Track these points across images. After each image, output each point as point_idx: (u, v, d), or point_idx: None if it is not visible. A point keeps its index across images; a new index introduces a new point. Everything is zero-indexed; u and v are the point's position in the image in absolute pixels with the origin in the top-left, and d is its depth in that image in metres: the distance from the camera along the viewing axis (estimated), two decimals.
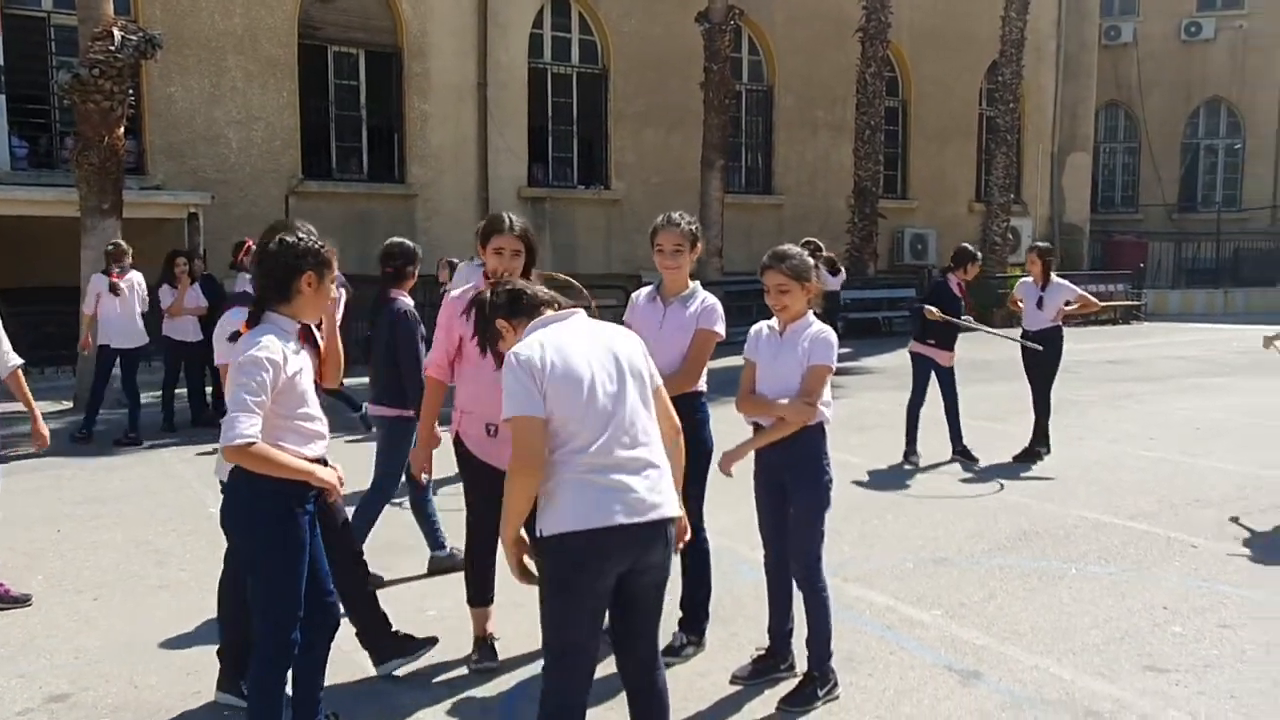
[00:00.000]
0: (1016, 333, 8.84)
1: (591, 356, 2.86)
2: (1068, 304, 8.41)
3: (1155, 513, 6.56)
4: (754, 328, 4.09)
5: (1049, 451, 8.29)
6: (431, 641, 4.27)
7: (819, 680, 3.87)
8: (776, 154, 21.39)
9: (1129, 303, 22.75)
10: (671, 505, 2.89)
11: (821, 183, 21.54)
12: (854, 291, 18.81)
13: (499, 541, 3.00)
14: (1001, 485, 7.44)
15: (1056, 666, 4.21)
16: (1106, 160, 30.20)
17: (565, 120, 19.10)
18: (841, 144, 20.74)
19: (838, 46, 20.36)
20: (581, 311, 3.01)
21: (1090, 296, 8.73)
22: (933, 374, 8.31)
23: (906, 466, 8.05)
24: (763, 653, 4.13)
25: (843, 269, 18.04)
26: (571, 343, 2.86)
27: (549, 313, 2.97)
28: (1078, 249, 26.14)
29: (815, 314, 3.96)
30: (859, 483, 7.49)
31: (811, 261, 3.92)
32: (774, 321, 4.00)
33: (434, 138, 17.26)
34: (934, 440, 8.31)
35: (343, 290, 4.30)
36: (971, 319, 8.54)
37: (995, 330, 9.70)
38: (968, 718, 3.79)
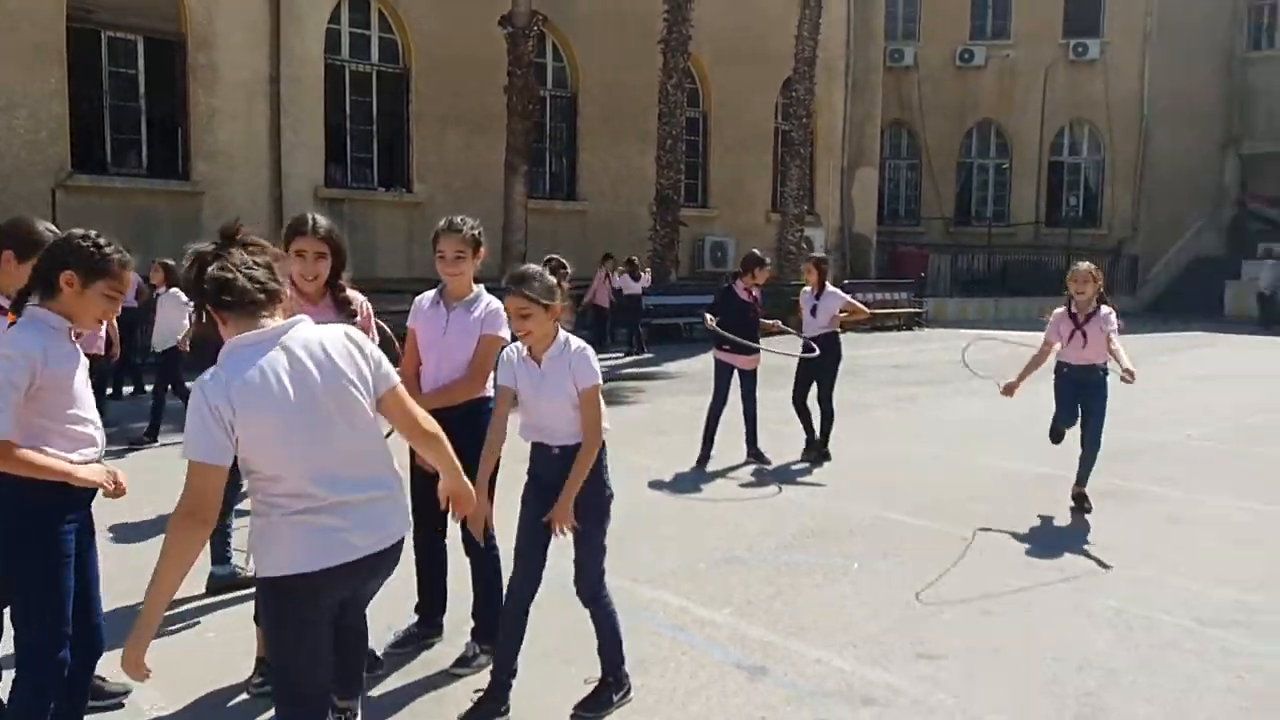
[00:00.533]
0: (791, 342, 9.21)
1: (296, 386, 2.50)
2: (842, 311, 8.77)
3: (930, 508, 6.97)
4: (505, 353, 3.86)
5: (829, 457, 8.61)
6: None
7: (613, 686, 3.88)
8: (581, 160, 21.54)
9: (912, 309, 24.27)
10: (400, 524, 2.74)
11: (625, 190, 21.83)
12: (656, 297, 19.18)
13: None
14: (782, 488, 7.72)
15: (838, 659, 4.39)
16: (892, 175, 32.06)
17: (365, 120, 18.57)
18: (645, 152, 21.10)
19: (641, 56, 20.68)
20: (305, 319, 2.61)
21: (859, 304, 9.01)
22: (735, 378, 8.51)
23: (700, 469, 8.23)
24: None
25: (645, 274, 18.48)
26: (271, 371, 2.47)
27: (266, 323, 2.54)
28: (865, 258, 27.58)
29: (565, 328, 3.75)
30: (655, 485, 7.61)
31: (554, 280, 3.65)
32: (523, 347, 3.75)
33: (222, 133, 16.41)
34: (732, 443, 8.54)
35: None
36: (780, 323, 8.87)
37: (769, 342, 9.48)
38: (754, 712, 3.89)
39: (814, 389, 8.79)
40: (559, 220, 20.64)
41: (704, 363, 16.21)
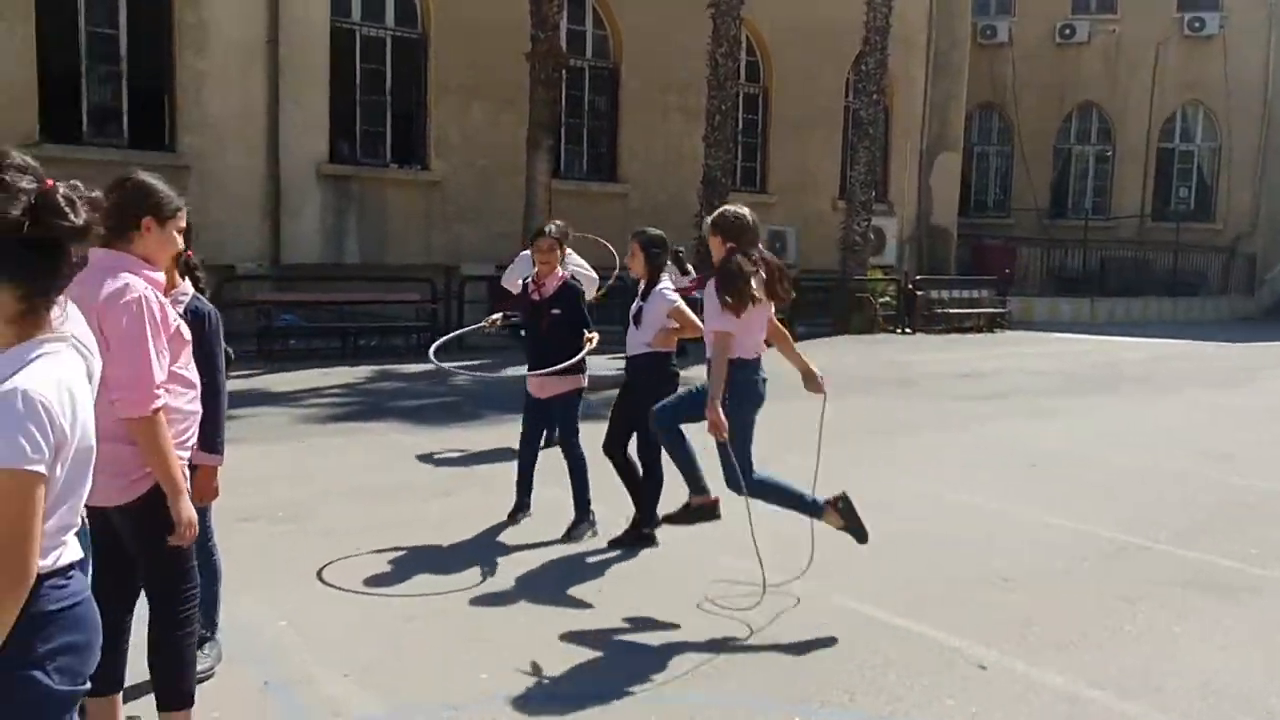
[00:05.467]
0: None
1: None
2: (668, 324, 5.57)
3: (941, 601, 4.88)
4: None
5: (653, 540, 5.57)
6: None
7: None
8: (622, 139, 19.61)
9: (994, 310, 21.79)
10: None
11: (672, 172, 19.81)
12: (698, 291, 17.10)
13: None
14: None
15: None
16: (979, 162, 29.36)
17: (377, 90, 16.93)
18: (694, 131, 19.01)
19: (692, 23, 18.61)
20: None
21: (688, 314, 5.50)
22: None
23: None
24: None
25: (692, 269, 16.35)
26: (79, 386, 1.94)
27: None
28: (944, 252, 25.09)
29: None
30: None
31: None
32: None
33: (213, 101, 14.91)
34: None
35: None
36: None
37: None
38: None
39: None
40: (596, 204, 18.75)
41: None
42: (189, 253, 3.47)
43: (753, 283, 4.59)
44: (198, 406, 3.20)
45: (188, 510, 2.94)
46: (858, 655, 4.18)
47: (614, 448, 5.61)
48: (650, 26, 19.16)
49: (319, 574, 4.98)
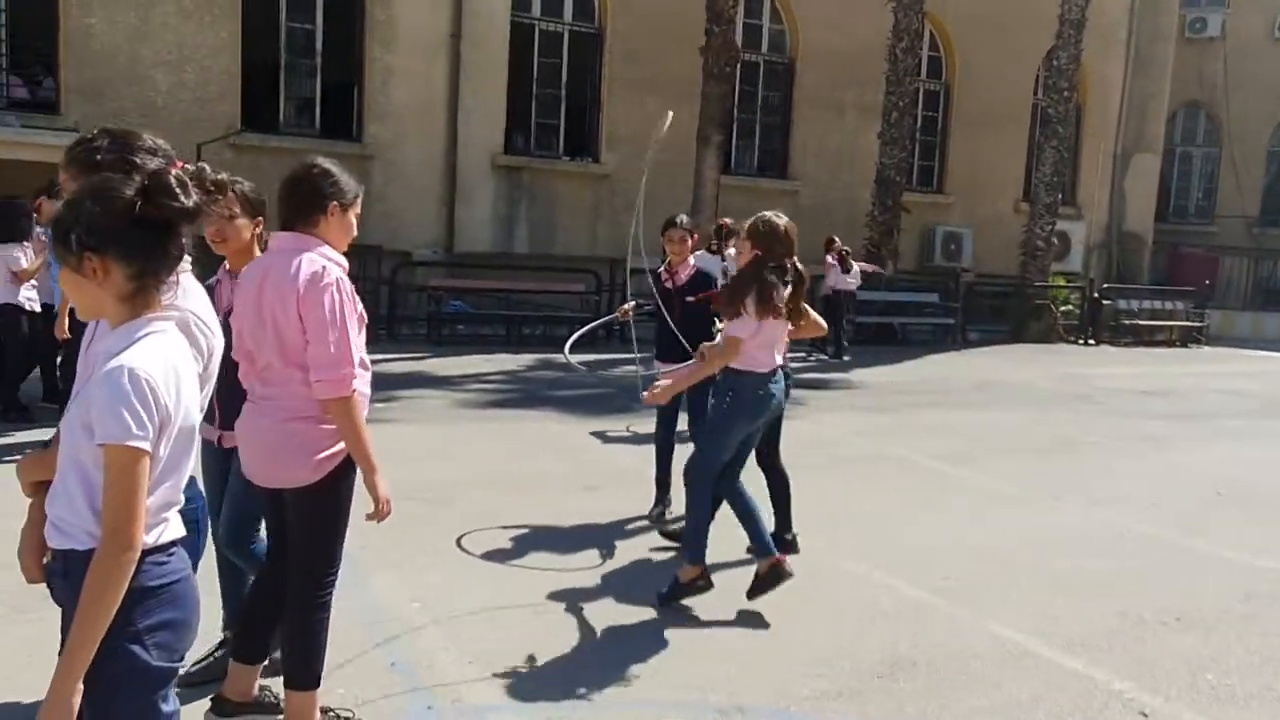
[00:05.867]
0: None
1: None
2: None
3: (1108, 638, 4.51)
4: None
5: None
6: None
7: None
8: (795, 136, 19.27)
9: (1190, 324, 20.31)
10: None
11: (845, 171, 19.38)
12: (866, 293, 16.64)
13: None
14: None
15: None
16: (1181, 164, 27.41)
17: (553, 83, 17.21)
18: (870, 129, 18.53)
19: (871, 17, 18.15)
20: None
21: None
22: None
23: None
24: None
25: (856, 266, 15.90)
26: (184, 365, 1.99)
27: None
28: (1138, 259, 23.61)
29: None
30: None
31: None
32: None
33: (397, 93, 15.52)
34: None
35: None
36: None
37: None
38: None
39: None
40: (765, 201, 18.12)
41: (903, 373, 13.85)
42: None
43: (775, 295, 4.37)
44: (368, 389, 3.25)
45: (384, 488, 3.00)
46: (1005, 688, 3.89)
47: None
48: (828, 20, 18.76)
49: (458, 541, 5.11)
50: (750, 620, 4.46)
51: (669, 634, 4.25)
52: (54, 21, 13.29)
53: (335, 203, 3.05)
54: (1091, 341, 19.14)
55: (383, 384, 10.55)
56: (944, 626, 4.48)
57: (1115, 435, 9.62)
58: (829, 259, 15.21)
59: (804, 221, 20.04)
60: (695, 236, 6.07)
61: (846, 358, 14.75)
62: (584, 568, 5.03)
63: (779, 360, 4.62)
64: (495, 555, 5.13)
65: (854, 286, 15.59)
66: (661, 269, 6.01)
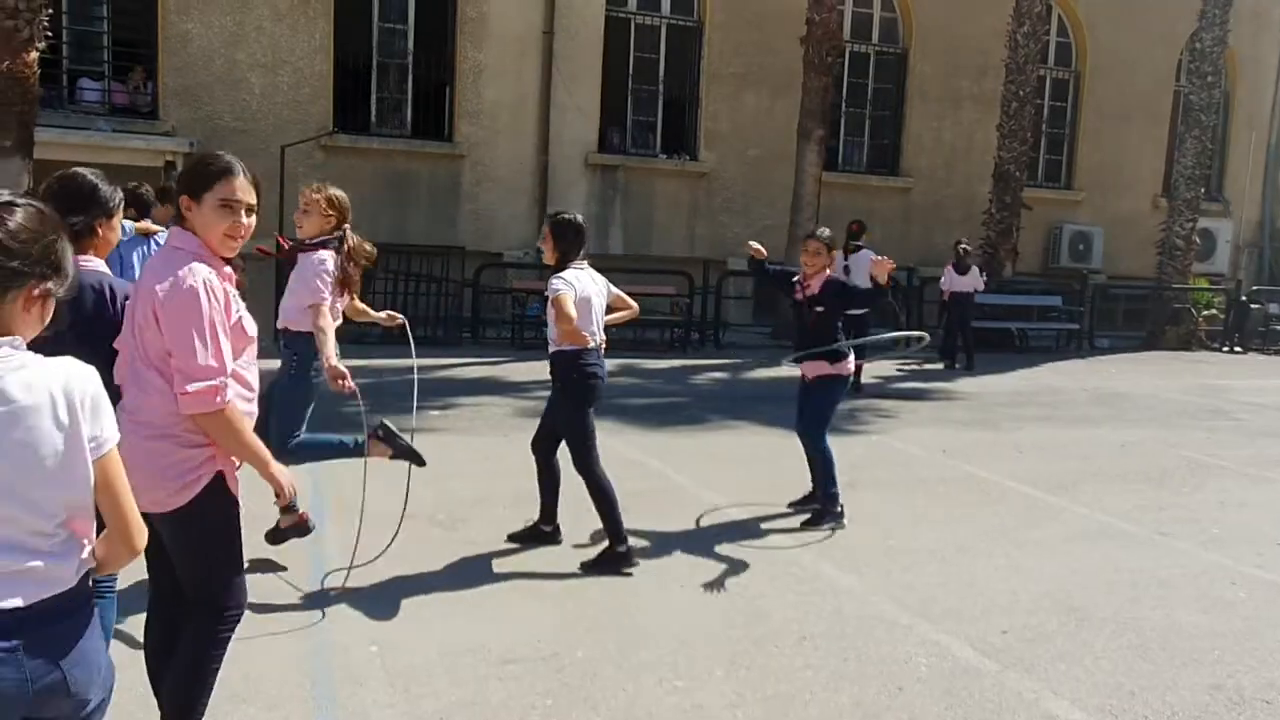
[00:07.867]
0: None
1: None
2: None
3: (1181, 715, 3.69)
4: None
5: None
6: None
7: None
8: (908, 129, 18.26)
9: None
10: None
11: (962, 166, 18.28)
12: (982, 296, 15.50)
13: None
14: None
15: None
16: None
17: (649, 79, 16.71)
18: (989, 121, 17.40)
19: (991, 3, 17.05)
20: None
21: (566, 310, 4.80)
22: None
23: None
24: None
25: (975, 268, 14.76)
26: None
27: None
28: None
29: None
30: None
31: None
32: None
33: (489, 91, 15.28)
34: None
35: None
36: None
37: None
38: None
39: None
40: (874, 198, 17.60)
41: (1014, 383, 12.76)
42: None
43: None
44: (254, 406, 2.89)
45: (282, 473, 2.88)
46: None
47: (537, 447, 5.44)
48: (945, 5, 17.70)
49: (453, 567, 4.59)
50: (750, 685, 3.83)
51: (647, 708, 3.67)
52: (153, 27, 13.51)
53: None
54: (1238, 349, 17.52)
55: (449, 390, 10.28)
56: (986, 700, 3.75)
57: (1252, 460, 8.49)
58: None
59: (916, 220, 19.11)
60: (834, 251, 6.09)
61: (958, 366, 13.76)
62: (564, 628, 4.48)
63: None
64: (486, 591, 4.63)
65: (971, 289, 14.49)
66: (796, 278, 6.14)
